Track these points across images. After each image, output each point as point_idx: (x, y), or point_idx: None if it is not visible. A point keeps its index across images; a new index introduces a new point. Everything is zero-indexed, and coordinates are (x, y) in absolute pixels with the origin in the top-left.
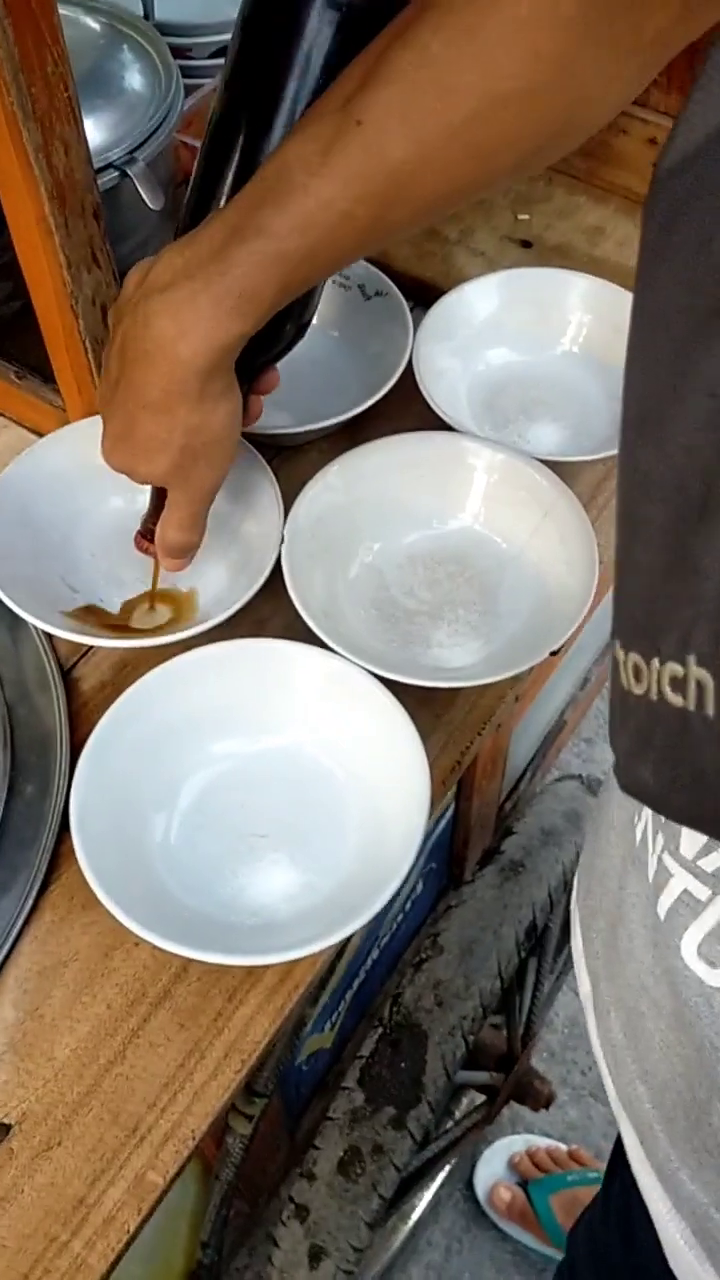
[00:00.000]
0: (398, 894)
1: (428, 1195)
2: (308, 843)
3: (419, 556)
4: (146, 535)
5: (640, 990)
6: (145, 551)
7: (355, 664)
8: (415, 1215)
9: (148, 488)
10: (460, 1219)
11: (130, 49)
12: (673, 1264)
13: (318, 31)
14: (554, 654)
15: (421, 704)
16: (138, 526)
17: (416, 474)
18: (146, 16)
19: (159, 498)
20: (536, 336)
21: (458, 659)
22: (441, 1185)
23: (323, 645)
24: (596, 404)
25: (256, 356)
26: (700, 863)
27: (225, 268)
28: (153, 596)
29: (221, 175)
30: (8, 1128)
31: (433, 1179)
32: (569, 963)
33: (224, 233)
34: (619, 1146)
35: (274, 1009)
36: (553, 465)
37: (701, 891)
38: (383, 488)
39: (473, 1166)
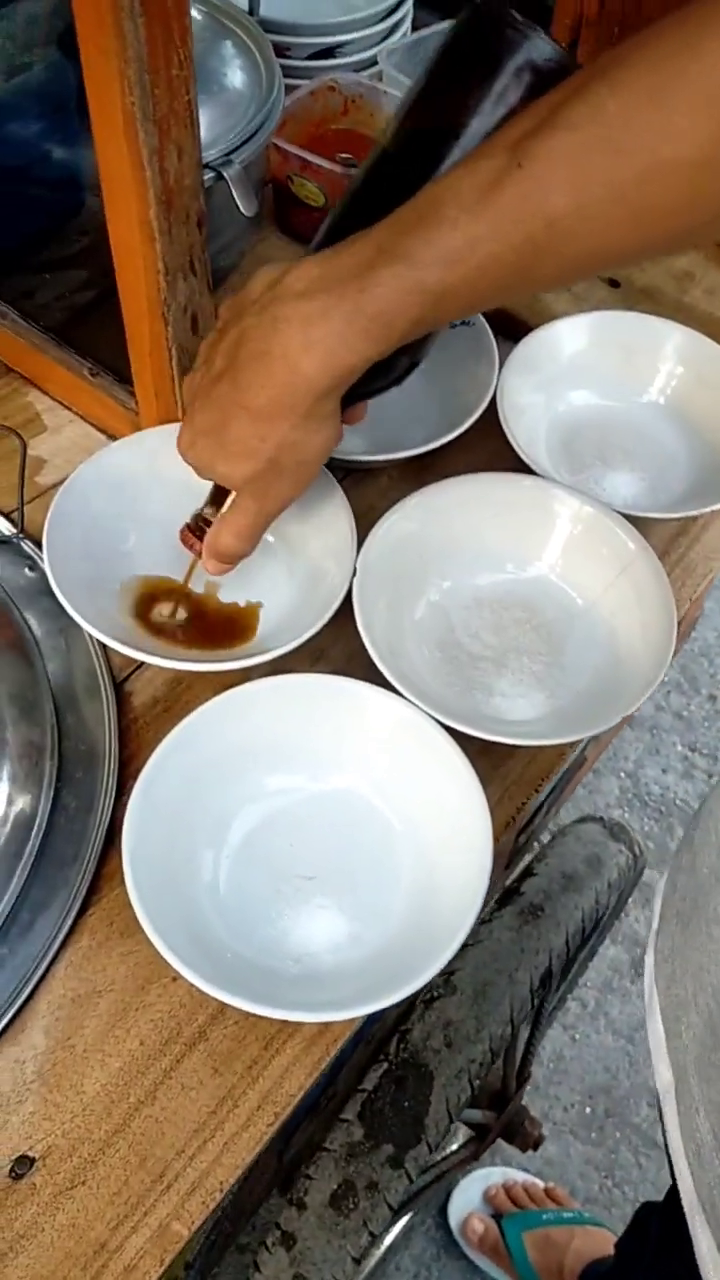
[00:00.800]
0: None
1: (401, 1221)
2: (357, 890)
3: (486, 600)
4: (196, 531)
5: None
6: (190, 548)
7: (426, 713)
8: (387, 1240)
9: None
10: (431, 1246)
11: (233, 45)
12: None
13: (507, 88)
14: None
15: (481, 753)
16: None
17: (497, 515)
18: (251, 12)
19: (221, 496)
20: (622, 382)
21: (520, 710)
22: (414, 1211)
23: (385, 683)
24: (676, 458)
25: (361, 386)
26: None
27: (364, 286)
28: (183, 595)
29: (379, 205)
30: (31, 1161)
31: (409, 1208)
32: (563, 999)
33: (369, 251)
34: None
35: (311, 1061)
36: (627, 518)
37: None
38: (461, 525)
39: (447, 1194)
